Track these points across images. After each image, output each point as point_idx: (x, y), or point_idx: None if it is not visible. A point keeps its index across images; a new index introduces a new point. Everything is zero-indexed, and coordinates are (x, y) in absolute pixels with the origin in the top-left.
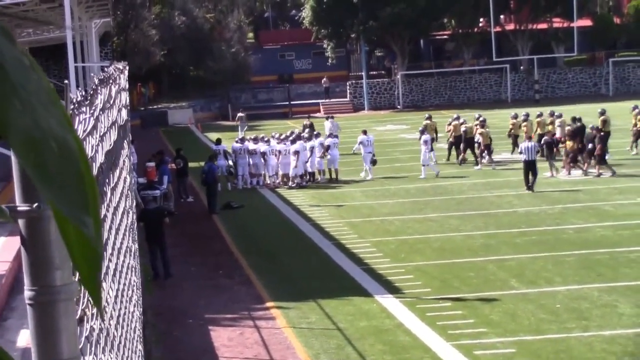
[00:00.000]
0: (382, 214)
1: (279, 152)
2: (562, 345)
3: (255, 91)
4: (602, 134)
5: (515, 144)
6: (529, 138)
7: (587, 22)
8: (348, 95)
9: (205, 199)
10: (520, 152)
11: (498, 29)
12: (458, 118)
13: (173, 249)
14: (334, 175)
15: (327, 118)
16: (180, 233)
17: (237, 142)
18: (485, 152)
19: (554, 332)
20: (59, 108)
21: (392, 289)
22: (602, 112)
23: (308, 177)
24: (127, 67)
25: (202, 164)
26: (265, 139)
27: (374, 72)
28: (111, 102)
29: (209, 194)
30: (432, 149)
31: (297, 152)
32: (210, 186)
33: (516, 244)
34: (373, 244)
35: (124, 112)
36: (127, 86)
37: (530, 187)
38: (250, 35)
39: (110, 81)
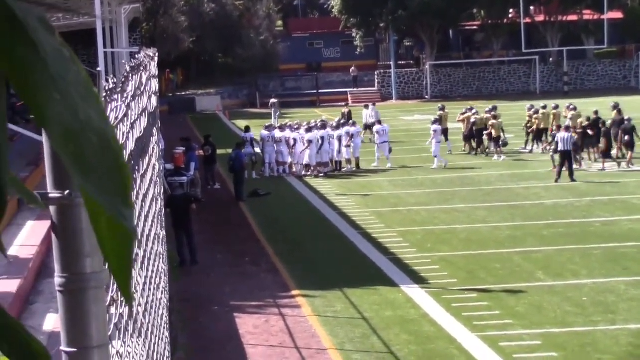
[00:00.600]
0: (409, 204)
1: (295, 140)
2: (588, 338)
3: (284, 79)
4: (606, 128)
5: (538, 138)
6: (567, 129)
7: (617, 15)
8: (376, 85)
9: (232, 187)
10: (556, 143)
11: (528, 20)
12: (471, 109)
13: (200, 235)
14: (355, 165)
15: (365, 106)
16: (207, 220)
17: (265, 128)
18: (494, 143)
19: (580, 325)
20: (97, 100)
21: (418, 279)
22: (615, 106)
23: (335, 166)
24: (157, 54)
25: (230, 151)
26: (296, 126)
27: (403, 62)
28: (142, 89)
29: (236, 182)
30: (445, 140)
31: (309, 142)
32: (238, 173)
33: (543, 236)
34: (400, 233)
35: (154, 99)
36: (157, 73)
37: (571, 178)
38: (279, 23)
39: (141, 68)
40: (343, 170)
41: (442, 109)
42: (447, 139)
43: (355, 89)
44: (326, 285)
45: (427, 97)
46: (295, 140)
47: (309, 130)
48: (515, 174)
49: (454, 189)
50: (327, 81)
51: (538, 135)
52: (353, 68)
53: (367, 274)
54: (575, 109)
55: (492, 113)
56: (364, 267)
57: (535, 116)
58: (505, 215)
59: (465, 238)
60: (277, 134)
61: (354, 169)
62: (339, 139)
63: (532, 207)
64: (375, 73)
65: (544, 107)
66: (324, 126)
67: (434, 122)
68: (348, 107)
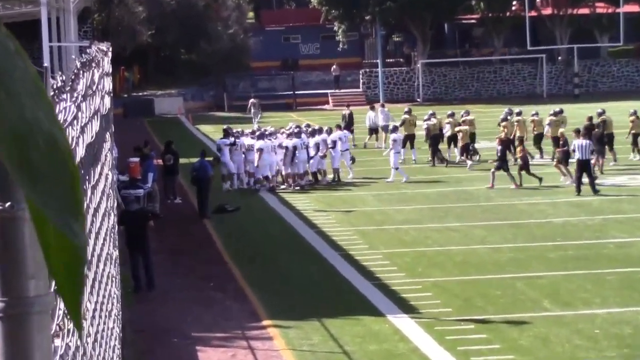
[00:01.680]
0: (397, 222)
1: (261, 150)
2: None
3: (255, 79)
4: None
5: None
6: (586, 134)
7: (634, 8)
8: (361, 86)
9: (195, 201)
10: (573, 151)
11: (533, 13)
12: (467, 113)
13: (157, 256)
14: (336, 177)
15: (371, 107)
16: (166, 239)
17: (233, 135)
18: (461, 151)
19: None
20: (46, 99)
21: (407, 308)
22: (601, 113)
23: (312, 178)
24: (111, 49)
25: (193, 160)
26: (267, 132)
27: (391, 60)
28: (94, 88)
29: (200, 195)
30: (410, 147)
31: (286, 148)
32: (202, 186)
33: (550, 260)
34: (386, 255)
35: (107, 100)
36: (111, 70)
37: (593, 189)
38: (251, 14)
39: (93, 65)
40: (322, 182)
41: (408, 112)
42: (412, 147)
43: (336, 91)
44: (302, 315)
45: (419, 99)
46: (260, 149)
47: (290, 136)
48: (518, 189)
49: (448, 204)
50: (304, 81)
51: (507, 144)
52: (334, 66)
53: (349, 301)
54: (559, 113)
55: (464, 118)
56: (345, 293)
57: (503, 124)
58: (506, 235)
59: (461, 261)
60: (247, 141)
61: (333, 181)
62: (316, 147)
63: (538, 226)
64: (360, 72)
65: (519, 114)
66: (298, 133)
67: (394, 129)
68: (350, 108)
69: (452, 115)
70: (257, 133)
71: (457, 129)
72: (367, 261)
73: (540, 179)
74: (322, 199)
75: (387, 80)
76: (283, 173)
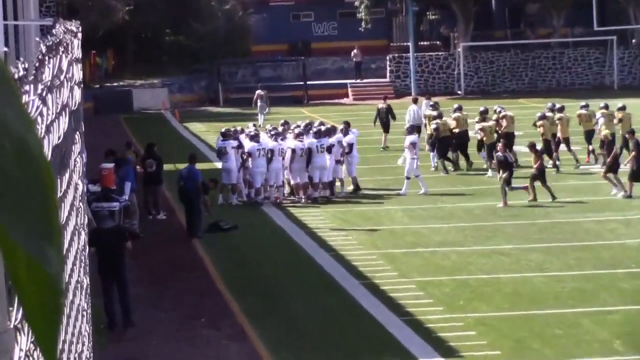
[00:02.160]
0: (432, 244)
1: (271, 151)
2: None
3: (257, 66)
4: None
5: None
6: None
7: None
8: (388, 75)
9: (183, 217)
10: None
11: None
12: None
13: (136, 286)
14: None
15: (414, 100)
16: (147, 264)
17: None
18: (486, 153)
19: None
20: (17, 97)
21: (446, 350)
22: (622, 108)
23: (329, 189)
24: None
25: (181, 166)
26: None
27: (425, 43)
28: (61, 78)
29: (189, 210)
30: (432, 151)
31: (292, 151)
32: (191, 198)
33: (623, 290)
34: (419, 285)
35: (77, 93)
36: (80, 56)
37: None
38: None
39: (61, 49)
40: (338, 194)
41: (435, 107)
42: (433, 150)
43: (357, 81)
44: (314, 357)
45: (459, 92)
46: (271, 151)
47: (299, 136)
48: (583, 203)
49: (496, 222)
50: (318, 69)
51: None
52: (355, 51)
53: (373, 340)
54: (621, 109)
55: (503, 113)
56: (369, 331)
57: (539, 123)
58: (568, 260)
59: (513, 292)
60: (246, 142)
61: (350, 192)
62: (329, 150)
63: (607, 248)
64: (387, 58)
65: (561, 110)
66: (317, 133)
67: (410, 131)
68: (386, 101)
69: (484, 112)
70: (272, 132)
71: (477, 126)
72: (396, 292)
73: (554, 197)
74: (340, 214)
75: (420, 68)
76: (292, 182)
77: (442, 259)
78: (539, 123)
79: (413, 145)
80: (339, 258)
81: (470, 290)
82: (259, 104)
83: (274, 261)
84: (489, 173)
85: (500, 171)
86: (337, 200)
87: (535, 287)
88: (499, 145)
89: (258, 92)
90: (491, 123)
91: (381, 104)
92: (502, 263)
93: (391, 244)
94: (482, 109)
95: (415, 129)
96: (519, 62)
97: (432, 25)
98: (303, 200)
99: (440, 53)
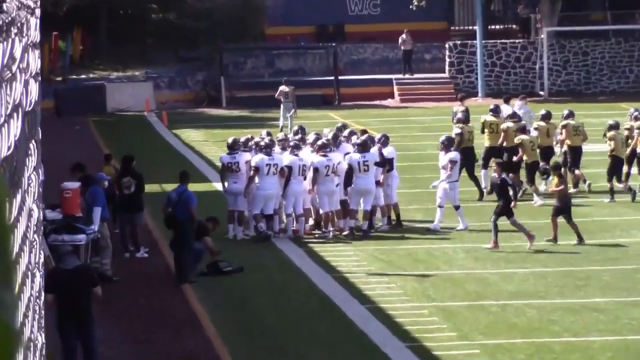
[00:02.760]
0: (503, 295)
1: (288, 168)
2: None
3: (272, 55)
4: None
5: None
6: None
7: None
8: (447, 68)
9: (171, 254)
10: None
11: None
12: (571, 114)
13: (107, 346)
14: (393, 216)
15: (505, 100)
16: (123, 316)
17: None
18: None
19: None
20: None
21: None
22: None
23: (369, 221)
24: (39, 4)
25: (169, 188)
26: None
27: (498, 27)
28: (13, 69)
29: (179, 246)
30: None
31: (315, 170)
32: (182, 230)
33: None
34: (485, 350)
35: (34, 88)
36: (39, 39)
37: None
38: None
39: (13, 31)
40: (378, 228)
41: (465, 114)
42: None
43: (406, 76)
44: None
45: (542, 93)
46: (288, 168)
47: (322, 149)
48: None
49: (587, 266)
50: (354, 59)
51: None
52: (404, 36)
53: None
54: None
55: (565, 121)
56: None
57: (610, 134)
58: None
59: None
60: (285, 157)
61: (390, 224)
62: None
63: None
64: (446, 47)
65: (571, 116)
66: (363, 145)
67: (446, 144)
68: (464, 102)
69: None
70: (285, 142)
71: (517, 138)
72: (455, 357)
73: (581, 240)
74: (380, 255)
75: (489, 61)
76: (320, 212)
77: (515, 315)
78: (609, 134)
79: (452, 163)
80: (379, 312)
81: (554, 358)
82: (282, 103)
83: (291, 316)
84: (536, 200)
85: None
86: (376, 236)
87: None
88: (495, 166)
89: (282, 88)
90: (534, 134)
91: (457, 106)
92: (595, 322)
93: (448, 294)
94: (610, 122)
95: (452, 142)
96: (622, 53)
97: (506, 4)
98: (331, 234)
99: (517, 41)
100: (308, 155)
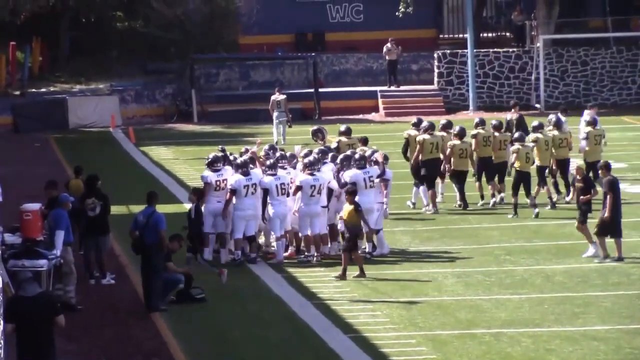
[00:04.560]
0: (497, 323)
1: (233, 191)
2: None
3: (247, 65)
4: None
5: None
6: None
7: None
8: (436, 80)
9: (139, 281)
10: None
11: None
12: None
13: None
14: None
15: (563, 110)
16: (88, 347)
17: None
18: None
19: None
20: None
21: None
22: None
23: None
24: None
25: (136, 210)
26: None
27: (490, 35)
28: None
29: (148, 272)
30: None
31: (298, 188)
32: (150, 255)
33: None
34: None
35: None
36: None
37: None
38: None
39: None
40: (363, 249)
41: (418, 124)
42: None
43: (392, 88)
44: None
45: (537, 105)
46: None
47: (309, 167)
48: None
49: (587, 292)
50: (335, 70)
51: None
52: (389, 45)
53: None
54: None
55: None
56: None
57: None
58: None
59: None
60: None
61: (369, 251)
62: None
63: None
64: (435, 56)
65: (481, 124)
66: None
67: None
68: (517, 109)
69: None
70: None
71: (512, 148)
72: None
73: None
74: (365, 280)
75: (481, 71)
76: (300, 234)
77: (510, 345)
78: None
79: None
80: (363, 342)
81: None
82: (275, 113)
83: (269, 347)
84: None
85: None
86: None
87: None
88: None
89: (274, 97)
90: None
91: (510, 114)
92: (596, 351)
93: (438, 322)
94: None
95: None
96: (624, 63)
97: (499, 10)
98: (315, 259)
99: (511, 50)
100: (298, 174)
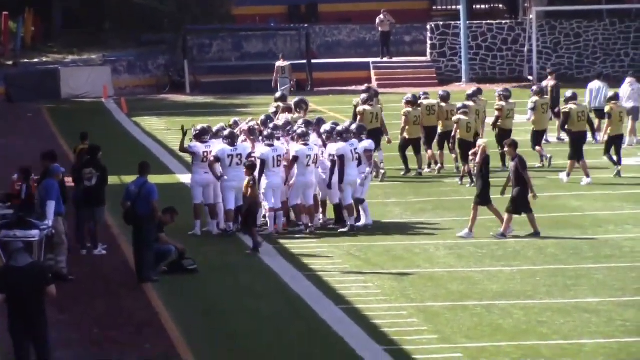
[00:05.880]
0: (488, 295)
1: (217, 158)
2: None
3: (240, 36)
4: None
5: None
6: None
7: None
8: (429, 51)
9: (131, 252)
10: None
11: None
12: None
13: (62, 350)
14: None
15: (597, 76)
16: (80, 318)
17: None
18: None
19: None
20: None
21: None
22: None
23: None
24: None
25: (128, 180)
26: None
27: (483, 7)
28: None
29: (139, 242)
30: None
31: (295, 159)
32: (142, 226)
33: None
34: (469, 354)
35: None
36: None
37: None
38: None
39: None
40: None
41: (413, 100)
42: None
43: (384, 60)
44: None
45: (530, 77)
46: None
47: (300, 138)
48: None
49: (579, 264)
50: (328, 42)
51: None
52: (382, 17)
53: None
54: None
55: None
56: None
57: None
58: None
59: None
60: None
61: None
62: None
63: None
64: (428, 27)
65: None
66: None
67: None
68: (553, 77)
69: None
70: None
71: (454, 119)
72: None
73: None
74: (357, 251)
75: (474, 43)
76: (290, 203)
77: (501, 317)
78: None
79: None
80: (355, 314)
81: None
82: (278, 80)
83: (260, 318)
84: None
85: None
86: (351, 232)
87: (635, 357)
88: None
89: (278, 63)
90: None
91: (546, 81)
92: (587, 323)
93: (429, 294)
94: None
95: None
96: (617, 35)
97: None
98: (308, 230)
99: (504, 22)
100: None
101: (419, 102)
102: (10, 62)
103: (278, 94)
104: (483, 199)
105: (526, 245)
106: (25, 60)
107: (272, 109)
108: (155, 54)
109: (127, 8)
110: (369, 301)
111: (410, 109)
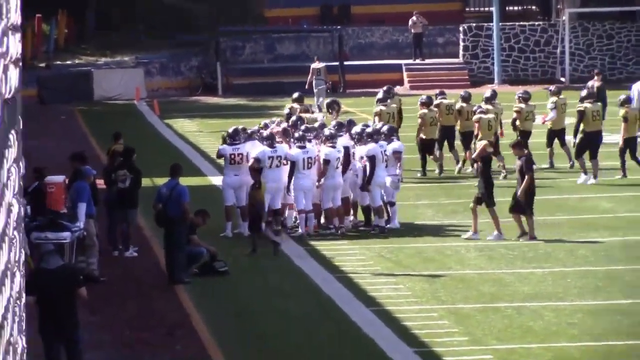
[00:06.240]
0: (519, 296)
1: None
2: None
3: (273, 38)
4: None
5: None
6: None
7: None
8: (461, 53)
9: (162, 254)
10: None
11: None
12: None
13: (93, 352)
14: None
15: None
16: (112, 320)
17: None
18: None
19: None
20: None
21: None
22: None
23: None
24: None
25: (159, 182)
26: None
27: (515, 8)
28: None
29: (171, 244)
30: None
31: (326, 162)
32: (173, 228)
33: None
34: (499, 356)
35: (14, 74)
36: (20, 22)
37: None
38: None
39: None
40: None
41: (427, 102)
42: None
43: (417, 61)
44: None
45: (562, 79)
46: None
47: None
48: None
49: (609, 266)
50: (360, 43)
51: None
52: (414, 19)
53: None
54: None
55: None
56: None
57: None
58: None
59: None
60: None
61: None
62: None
63: None
64: (461, 29)
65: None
66: (373, 134)
67: (388, 133)
68: (599, 77)
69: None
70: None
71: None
72: None
73: None
74: (388, 253)
75: (506, 44)
76: (323, 207)
77: (532, 319)
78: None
79: (397, 154)
80: (385, 315)
81: None
82: (314, 82)
83: (291, 320)
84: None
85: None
86: (381, 234)
87: None
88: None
89: (313, 65)
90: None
91: (592, 82)
92: (618, 325)
93: (460, 296)
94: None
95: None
96: None
97: None
98: (339, 231)
99: (536, 23)
100: (317, 147)
101: (438, 102)
102: (43, 64)
103: (295, 95)
104: (488, 200)
105: (557, 247)
106: (58, 62)
107: (286, 110)
108: (188, 55)
109: (160, 10)
110: (399, 303)
111: (425, 110)
